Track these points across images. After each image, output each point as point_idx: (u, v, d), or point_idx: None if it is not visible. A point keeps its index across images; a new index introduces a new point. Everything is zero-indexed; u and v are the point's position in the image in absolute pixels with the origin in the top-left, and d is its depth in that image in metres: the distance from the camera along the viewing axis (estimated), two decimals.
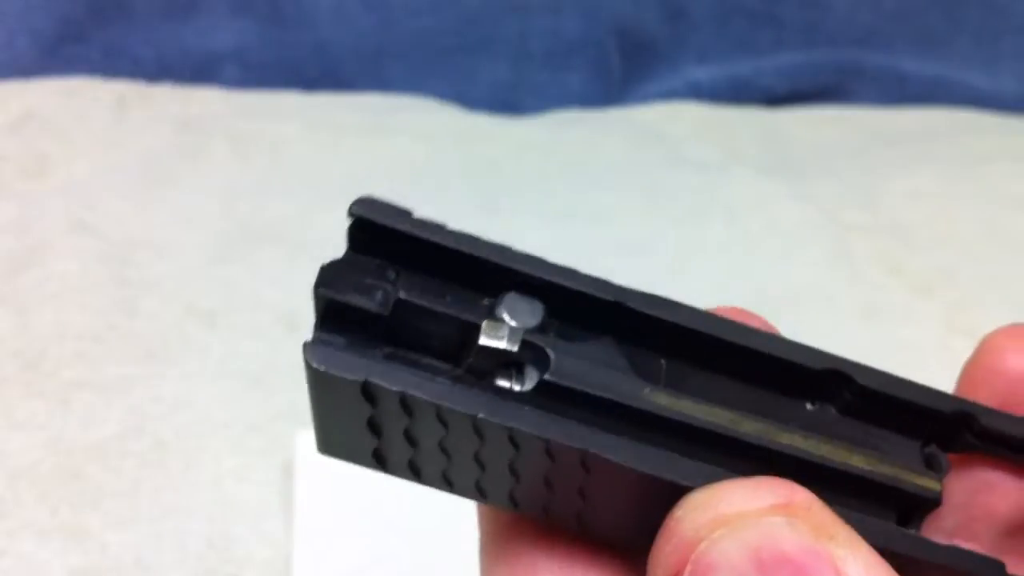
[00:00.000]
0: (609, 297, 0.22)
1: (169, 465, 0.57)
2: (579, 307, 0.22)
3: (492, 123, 0.91)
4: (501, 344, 0.20)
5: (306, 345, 0.20)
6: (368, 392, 0.19)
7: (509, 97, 0.95)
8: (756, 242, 0.77)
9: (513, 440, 0.20)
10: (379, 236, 0.21)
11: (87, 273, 0.68)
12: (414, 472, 0.22)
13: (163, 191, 0.77)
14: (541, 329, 0.21)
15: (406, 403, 0.20)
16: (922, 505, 0.23)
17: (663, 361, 0.22)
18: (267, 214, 0.74)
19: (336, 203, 0.90)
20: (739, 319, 0.23)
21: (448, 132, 0.88)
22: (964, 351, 0.28)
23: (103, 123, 0.84)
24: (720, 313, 0.22)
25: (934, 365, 0.29)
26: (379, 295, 0.20)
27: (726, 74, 0.98)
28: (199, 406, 0.60)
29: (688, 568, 0.18)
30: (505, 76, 0.95)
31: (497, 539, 0.24)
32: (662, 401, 0.21)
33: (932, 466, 0.23)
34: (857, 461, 0.22)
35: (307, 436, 0.56)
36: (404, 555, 0.51)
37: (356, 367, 0.19)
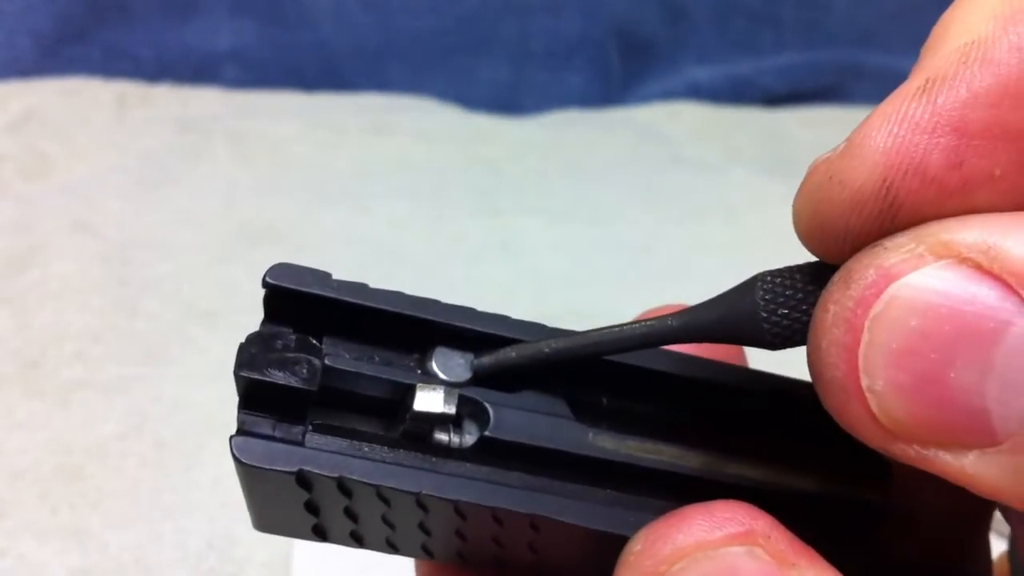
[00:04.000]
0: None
1: (169, 465, 0.57)
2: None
3: (492, 123, 0.91)
4: (438, 407, 0.19)
5: (232, 439, 0.19)
6: (303, 480, 0.19)
7: (509, 97, 0.95)
8: (756, 242, 0.77)
9: (459, 511, 0.19)
10: (298, 303, 0.20)
11: (87, 273, 0.68)
12: (356, 540, 0.21)
13: (163, 191, 0.77)
14: (475, 381, 0.20)
15: (344, 486, 0.19)
16: (872, 514, 0.22)
17: (604, 399, 0.22)
18: (267, 214, 0.74)
19: (336, 203, 0.90)
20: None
21: (448, 132, 0.88)
22: None
23: (103, 123, 0.84)
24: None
25: None
26: (304, 369, 0.19)
27: (726, 74, 0.98)
28: (199, 406, 0.60)
29: None
30: (505, 76, 0.95)
31: None
32: (607, 445, 0.21)
33: (880, 471, 0.22)
34: (805, 483, 0.21)
35: None
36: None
37: (288, 457, 0.19)
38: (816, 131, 0.92)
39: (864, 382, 0.16)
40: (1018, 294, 0.15)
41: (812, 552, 0.17)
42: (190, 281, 0.68)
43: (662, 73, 0.98)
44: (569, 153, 0.87)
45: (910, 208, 0.16)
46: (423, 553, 0.21)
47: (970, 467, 0.15)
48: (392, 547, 0.21)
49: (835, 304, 0.16)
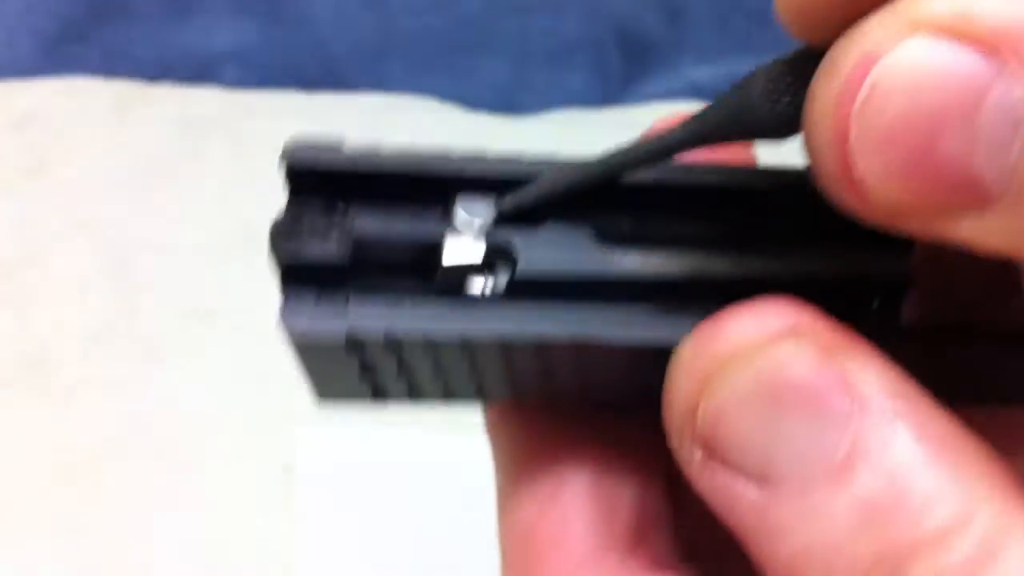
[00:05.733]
0: (553, 175, 0.22)
1: (169, 465, 0.57)
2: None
3: (492, 123, 0.91)
4: (466, 258, 0.20)
5: (281, 310, 0.20)
6: (353, 341, 0.19)
7: (509, 97, 0.95)
8: None
9: (504, 347, 0.20)
10: (318, 175, 0.21)
11: (87, 273, 0.68)
12: (416, 396, 0.22)
13: (163, 191, 0.77)
14: (499, 220, 0.21)
15: (392, 339, 0.19)
16: (900, 285, 0.22)
17: (625, 222, 0.22)
18: (267, 214, 0.74)
19: None
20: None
21: (448, 132, 0.88)
22: None
23: (103, 123, 0.84)
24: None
25: None
26: (334, 240, 0.20)
27: (726, 74, 0.98)
28: (199, 406, 0.60)
29: (701, 403, 0.18)
30: (505, 76, 0.95)
31: (515, 461, 0.24)
32: (634, 264, 0.21)
33: (902, 242, 0.22)
34: (834, 266, 0.22)
35: (307, 435, 0.56)
36: (404, 554, 0.51)
37: (334, 320, 0.19)
38: None
39: (857, 172, 0.16)
40: (996, 55, 0.15)
41: (856, 338, 0.18)
42: (190, 281, 0.68)
43: (662, 73, 0.98)
44: (569, 153, 0.87)
45: None
46: (479, 396, 0.22)
47: (968, 230, 0.16)
48: (448, 397, 0.22)
49: (821, 96, 0.16)
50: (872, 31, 0.16)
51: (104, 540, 0.52)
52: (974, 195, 0.15)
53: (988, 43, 0.15)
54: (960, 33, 0.15)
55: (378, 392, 0.22)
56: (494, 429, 0.25)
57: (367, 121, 0.88)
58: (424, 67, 0.94)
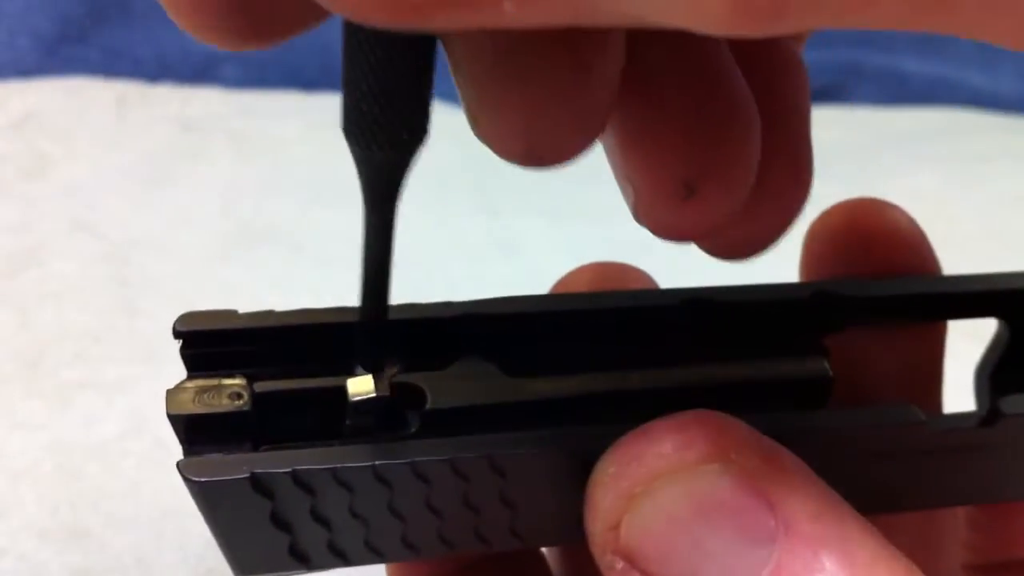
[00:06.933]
0: (455, 314, 0.22)
1: (169, 465, 0.56)
2: (434, 336, 0.21)
3: None
4: (371, 391, 0.20)
5: (179, 464, 0.19)
6: (259, 484, 0.19)
7: None
8: None
9: (418, 472, 0.19)
10: (214, 346, 0.21)
11: (87, 273, 0.68)
12: (339, 555, 0.21)
13: (163, 191, 0.77)
14: (405, 370, 0.21)
15: (300, 480, 0.19)
16: (817, 391, 0.22)
17: (533, 350, 0.22)
18: (267, 214, 0.74)
19: (336, 203, 0.91)
20: (610, 275, 0.24)
21: (448, 132, 0.88)
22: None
23: (103, 123, 0.84)
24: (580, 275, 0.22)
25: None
26: (237, 398, 0.20)
27: None
28: None
29: (626, 518, 0.18)
30: None
31: None
32: (544, 388, 0.21)
33: (816, 348, 0.23)
34: (745, 371, 0.22)
35: None
36: None
37: (238, 465, 0.19)
38: (816, 131, 0.91)
39: None
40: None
41: (781, 457, 0.18)
42: (190, 281, 0.68)
43: None
44: None
45: None
46: (407, 550, 0.21)
47: None
48: (376, 553, 0.21)
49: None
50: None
51: (104, 540, 0.52)
52: None
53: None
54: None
55: (298, 554, 0.20)
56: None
57: None
58: None
